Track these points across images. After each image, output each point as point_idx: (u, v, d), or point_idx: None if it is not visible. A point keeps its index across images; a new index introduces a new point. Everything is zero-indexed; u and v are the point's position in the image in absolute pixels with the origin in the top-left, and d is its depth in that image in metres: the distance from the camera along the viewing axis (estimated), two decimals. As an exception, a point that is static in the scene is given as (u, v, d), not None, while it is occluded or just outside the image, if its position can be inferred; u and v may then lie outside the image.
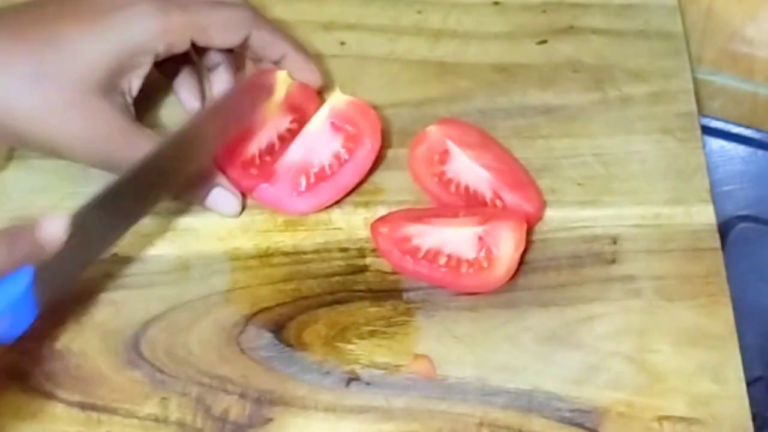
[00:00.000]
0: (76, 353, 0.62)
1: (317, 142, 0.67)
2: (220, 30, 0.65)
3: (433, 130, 0.67)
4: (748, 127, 0.82)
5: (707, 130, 0.80)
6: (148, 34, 0.63)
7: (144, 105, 0.69)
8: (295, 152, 0.67)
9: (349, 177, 0.67)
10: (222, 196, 0.66)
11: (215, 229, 0.66)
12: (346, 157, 0.67)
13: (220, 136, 0.65)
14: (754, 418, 0.59)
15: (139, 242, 0.66)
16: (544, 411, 0.59)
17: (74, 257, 0.57)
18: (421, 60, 0.75)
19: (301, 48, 0.69)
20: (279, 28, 0.68)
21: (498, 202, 0.65)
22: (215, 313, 0.63)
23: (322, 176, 0.67)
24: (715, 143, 0.82)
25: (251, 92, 0.67)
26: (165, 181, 0.62)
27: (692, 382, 0.60)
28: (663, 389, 0.60)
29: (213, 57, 0.69)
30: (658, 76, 0.74)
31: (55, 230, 0.55)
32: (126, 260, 0.65)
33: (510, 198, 0.65)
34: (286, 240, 0.66)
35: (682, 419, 0.59)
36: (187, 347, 0.62)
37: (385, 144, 0.69)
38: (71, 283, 0.59)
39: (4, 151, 0.69)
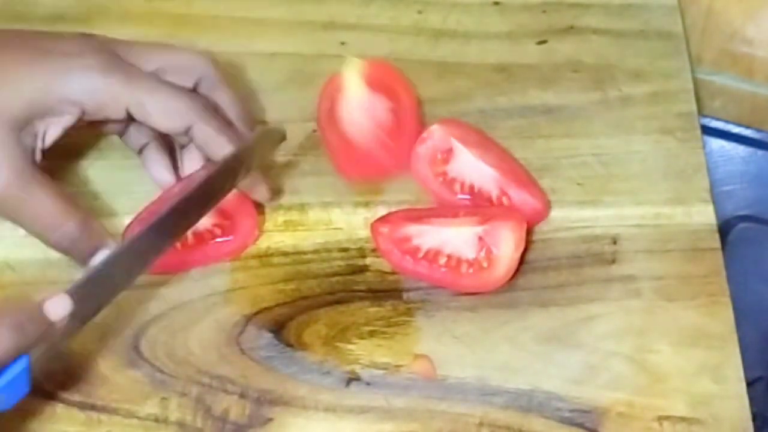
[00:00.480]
0: (76, 353, 0.62)
1: (367, 104, 0.68)
2: (159, 113, 0.63)
3: (436, 129, 0.67)
4: (748, 127, 0.82)
5: (707, 130, 0.80)
6: (81, 88, 0.61)
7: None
8: (354, 120, 0.68)
9: (408, 133, 0.68)
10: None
11: (215, 229, 0.66)
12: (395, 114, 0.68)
13: (227, 189, 0.63)
14: (754, 418, 0.59)
15: (139, 242, 0.66)
16: (544, 411, 0.59)
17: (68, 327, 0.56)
18: (421, 60, 0.75)
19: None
20: (227, 125, 0.65)
21: (504, 200, 0.65)
22: (215, 313, 0.63)
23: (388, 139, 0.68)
24: (715, 143, 0.82)
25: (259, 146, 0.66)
26: (165, 244, 0.61)
27: (692, 382, 0.60)
28: (663, 389, 0.60)
29: (180, 138, 0.66)
30: (658, 76, 0.74)
31: (59, 310, 0.55)
32: (126, 260, 0.65)
33: (517, 195, 0.65)
34: (286, 240, 0.66)
35: (682, 419, 0.59)
36: (187, 347, 0.62)
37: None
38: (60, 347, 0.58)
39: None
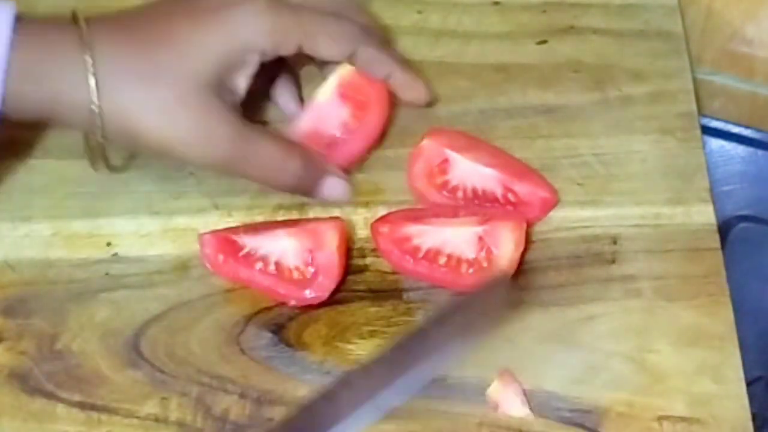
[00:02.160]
0: (76, 353, 0.62)
1: (326, 112, 0.68)
2: (327, 40, 0.65)
3: (427, 143, 0.67)
4: (748, 127, 0.82)
5: (707, 130, 0.80)
6: (257, 31, 0.63)
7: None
8: (304, 123, 0.68)
9: (357, 145, 0.67)
10: (336, 185, 0.66)
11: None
12: (355, 125, 0.67)
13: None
14: (754, 418, 0.59)
15: (139, 242, 0.66)
16: (544, 411, 0.59)
17: None
18: (421, 60, 0.75)
19: (407, 66, 0.68)
20: (387, 46, 0.69)
21: (511, 196, 0.65)
22: (215, 313, 0.63)
23: (331, 145, 0.67)
24: (715, 143, 0.82)
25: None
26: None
27: (692, 382, 0.60)
28: (663, 389, 0.60)
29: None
30: (658, 76, 0.74)
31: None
32: (126, 260, 0.65)
33: (522, 188, 0.65)
34: (286, 240, 0.66)
35: (682, 419, 0.59)
36: (187, 347, 0.62)
37: (385, 143, 0.69)
38: None
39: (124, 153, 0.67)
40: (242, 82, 0.64)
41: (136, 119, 0.60)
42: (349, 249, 0.65)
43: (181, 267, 0.65)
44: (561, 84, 0.73)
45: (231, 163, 0.63)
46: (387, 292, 0.64)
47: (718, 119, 0.82)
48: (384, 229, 0.64)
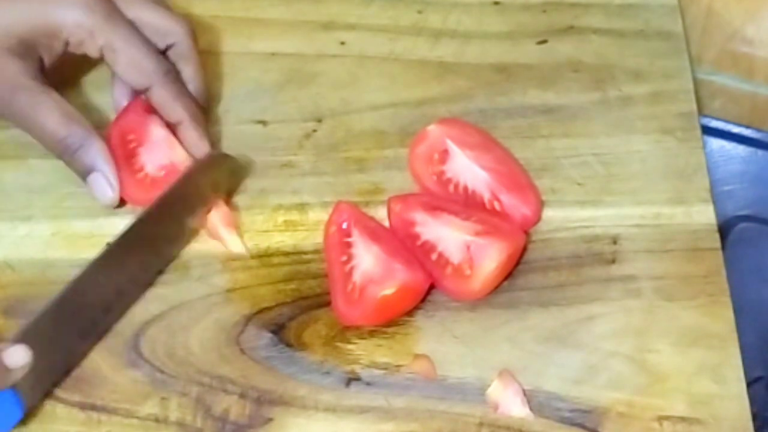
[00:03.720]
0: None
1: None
2: (127, 63, 0.67)
3: (433, 129, 0.67)
4: (748, 127, 0.82)
5: (707, 130, 0.80)
6: (65, 21, 0.65)
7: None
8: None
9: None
10: (99, 184, 0.66)
11: (215, 229, 0.66)
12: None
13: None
14: (754, 418, 0.59)
15: (139, 242, 0.66)
16: (544, 411, 0.59)
17: (52, 359, 0.58)
18: (421, 60, 0.75)
19: (199, 120, 0.68)
20: (185, 94, 0.68)
21: (496, 204, 0.65)
22: (215, 313, 0.63)
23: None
24: (715, 143, 0.82)
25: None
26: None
27: (692, 382, 0.60)
28: (663, 389, 0.60)
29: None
30: (658, 76, 0.74)
31: (18, 359, 0.56)
32: (126, 260, 0.65)
33: (507, 200, 0.65)
34: (286, 240, 0.66)
35: (682, 419, 0.59)
36: (187, 347, 0.62)
37: (385, 143, 0.70)
38: (63, 373, 0.60)
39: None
40: (47, 58, 0.67)
41: None
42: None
43: (181, 267, 0.65)
44: (561, 84, 0.73)
45: (16, 118, 0.66)
46: (387, 292, 0.64)
47: (718, 119, 0.82)
48: (397, 207, 0.64)
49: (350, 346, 0.62)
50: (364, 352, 0.61)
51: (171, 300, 0.63)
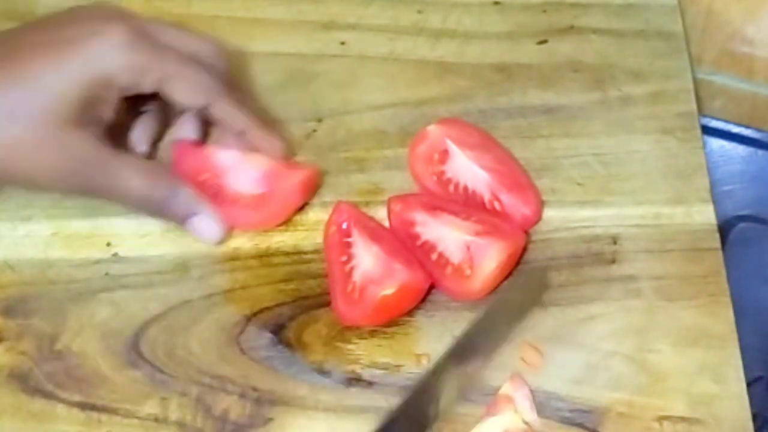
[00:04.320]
0: (76, 353, 0.62)
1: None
2: (185, 87, 0.64)
3: (433, 129, 0.67)
4: (748, 127, 0.82)
5: (707, 130, 0.80)
6: (114, 66, 0.62)
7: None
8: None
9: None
10: (205, 224, 0.65)
11: (215, 229, 0.66)
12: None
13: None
14: (754, 418, 0.59)
15: (139, 242, 0.66)
16: (544, 411, 0.59)
17: None
18: (421, 60, 0.75)
19: (261, 122, 0.67)
20: (245, 101, 0.67)
21: (496, 204, 0.65)
22: (215, 313, 0.63)
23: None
24: (715, 143, 0.82)
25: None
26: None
27: (692, 382, 0.60)
28: (663, 389, 0.60)
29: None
30: (658, 76, 0.74)
31: None
32: (126, 260, 0.65)
33: (508, 200, 0.65)
34: (286, 240, 0.66)
35: (682, 419, 0.59)
36: (187, 347, 0.62)
37: (385, 143, 0.70)
38: None
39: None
40: (105, 114, 0.63)
41: None
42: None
43: (181, 267, 0.65)
44: (561, 84, 0.73)
45: (98, 192, 0.64)
46: (387, 292, 0.64)
47: (718, 119, 0.82)
48: (397, 207, 0.64)
49: (350, 346, 0.62)
50: (365, 352, 0.61)
51: (171, 300, 0.63)
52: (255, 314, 0.63)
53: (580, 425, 0.58)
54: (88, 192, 0.64)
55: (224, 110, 0.66)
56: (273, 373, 0.61)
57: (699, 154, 0.70)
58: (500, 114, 0.72)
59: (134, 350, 0.62)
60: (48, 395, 0.60)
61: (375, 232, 0.64)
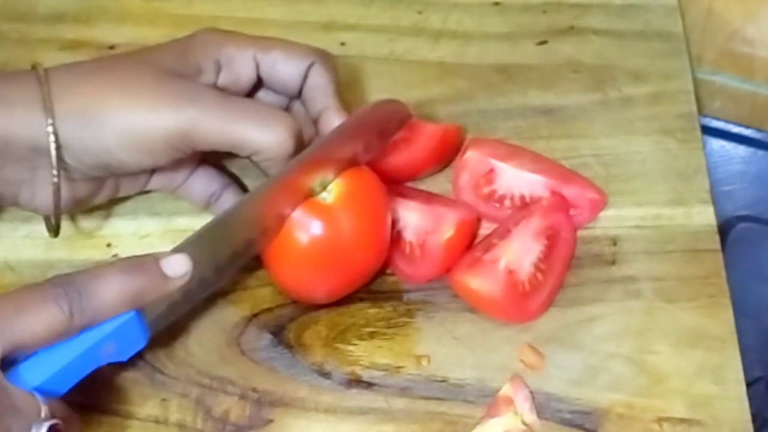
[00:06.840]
0: (76, 354, 0.62)
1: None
2: (282, 54, 0.62)
3: (471, 155, 0.67)
4: (748, 127, 0.82)
5: (707, 130, 0.80)
6: (210, 42, 0.62)
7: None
8: None
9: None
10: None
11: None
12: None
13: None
14: (754, 418, 0.59)
15: (139, 242, 0.66)
16: (544, 412, 0.59)
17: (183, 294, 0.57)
18: (421, 60, 0.75)
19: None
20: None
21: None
22: (215, 314, 0.63)
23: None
24: (715, 143, 0.82)
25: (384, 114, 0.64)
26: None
27: (692, 383, 0.60)
28: (663, 390, 0.60)
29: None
30: (658, 76, 0.74)
31: (178, 268, 0.55)
32: (126, 261, 0.65)
33: (570, 191, 0.66)
34: (286, 241, 0.66)
35: (682, 420, 0.59)
36: (187, 348, 0.62)
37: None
38: (178, 315, 0.58)
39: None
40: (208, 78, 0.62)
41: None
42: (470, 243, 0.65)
43: (182, 268, 0.65)
44: (561, 84, 0.73)
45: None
46: (387, 293, 0.64)
47: (718, 119, 0.82)
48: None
49: (350, 348, 0.62)
50: (365, 353, 0.61)
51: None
52: (255, 315, 0.63)
53: (580, 426, 0.59)
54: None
55: (323, 75, 0.62)
56: (273, 375, 0.61)
57: (699, 155, 0.70)
58: (500, 115, 0.72)
59: (134, 351, 0.62)
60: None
61: (402, 192, 0.65)
